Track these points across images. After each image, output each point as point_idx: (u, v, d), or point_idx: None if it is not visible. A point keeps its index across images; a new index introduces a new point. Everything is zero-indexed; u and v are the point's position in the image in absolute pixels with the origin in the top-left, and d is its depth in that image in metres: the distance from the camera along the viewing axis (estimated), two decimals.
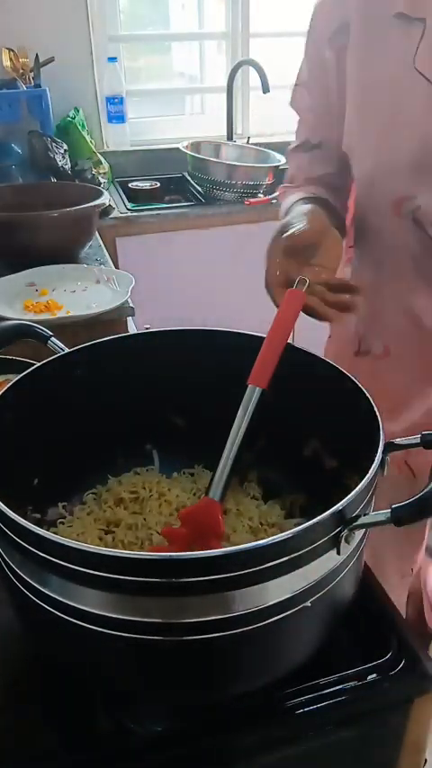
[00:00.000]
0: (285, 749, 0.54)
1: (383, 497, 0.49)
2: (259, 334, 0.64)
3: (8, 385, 0.56)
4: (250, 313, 1.83)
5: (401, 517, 0.39)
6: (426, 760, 0.90)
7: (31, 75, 1.89)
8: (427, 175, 0.70)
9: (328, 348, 0.97)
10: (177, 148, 2.01)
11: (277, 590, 0.41)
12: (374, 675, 0.55)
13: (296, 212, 0.73)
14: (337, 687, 0.54)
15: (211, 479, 0.59)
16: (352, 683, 0.55)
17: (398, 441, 0.48)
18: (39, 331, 0.66)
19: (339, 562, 0.44)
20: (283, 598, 0.41)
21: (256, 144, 2.22)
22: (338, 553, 0.42)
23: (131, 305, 1.17)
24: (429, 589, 1.11)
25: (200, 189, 2.02)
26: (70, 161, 1.82)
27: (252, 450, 0.70)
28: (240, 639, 0.43)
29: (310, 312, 0.66)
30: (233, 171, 1.92)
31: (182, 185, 2.18)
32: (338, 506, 0.40)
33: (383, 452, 0.47)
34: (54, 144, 1.70)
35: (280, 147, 2.12)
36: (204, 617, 0.41)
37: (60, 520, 0.63)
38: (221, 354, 0.65)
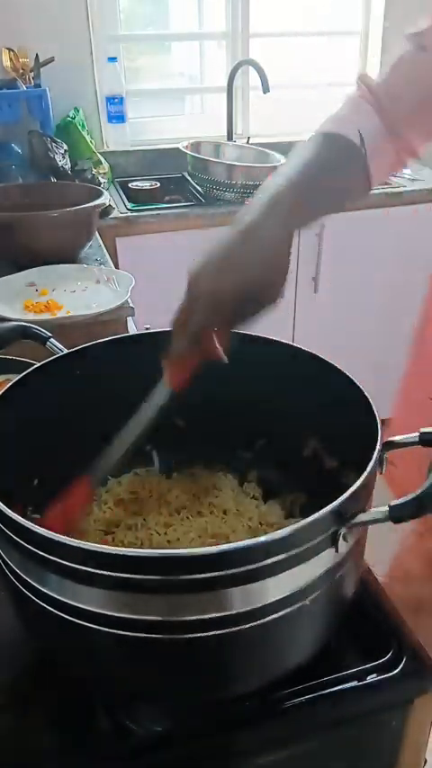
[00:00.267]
0: (285, 749, 0.54)
1: None
2: (258, 335, 0.64)
3: (8, 385, 0.56)
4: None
5: (399, 515, 0.39)
6: (426, 760, 0.90)
7: (31, 75, 1.89)
8: None
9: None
10: (177, 148, 2.01)
11: (276, 588, 0.41)
12: (374, 676, 0.55)
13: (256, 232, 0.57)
14: (337, 687, 0.54)
15: None
16: (352, 684, 0.55)
17: (396, 439, 0.48)
18: (38, 332, 0.66)
19: (338, 560, 0.44)
20: (282, 596, 0.41)
21: (256, 144, 2.22)
22: (337, 551, 0.42)
23: (131, 305, 1.17)
24: None
25: (200, 189, 2.02)
26: (70, 161, 1.82)
27: (251, 449, 0.70)
28: (240, 638, 0.43)
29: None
30: (233, 171, 1.92)
31: (182, 185, 2.18)
32: (336, 504, 0.40)
33: (381, 451, 0.47)
34: (54, 144, 1.71)
35: (280, 147, 2.12)
36: (203, 615, 0.41)
37: None
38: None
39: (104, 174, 1.99)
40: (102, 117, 2.16)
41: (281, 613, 0.42)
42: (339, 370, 0.57)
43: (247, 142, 2.26)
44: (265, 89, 2.01)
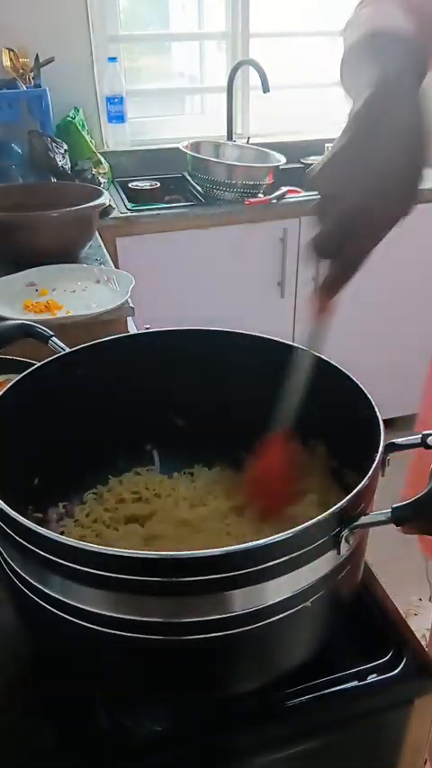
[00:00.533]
0: (285, 749, 0.53)
1: None
2: (259, 335, 0.64)
3: (8, 385, 0.56)
4: (250, 313, 1.84)
5: (401, 517, 0.39)
6: (426, 760, 0.90)
7: (32, 75, 1.89)
8: None
9: None
10: (177, 148, 2.01)
11: (278, 589, 0.41)
12: (375, 676, 0.55)
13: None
14: (337, 687, 0.54)
15: None
16: (352, 684, 0.55)
17: (399, 441, 0.48)
18: (40, 331, 0.67)
19: (340, 562, 0.44)
20: (283, 598, 0.41)
21: (256, 144, 2.22)
22: (339, 553, 0.42)
23: (131, 305, 1.17)
24: None
25: (200, 189, 2.02)
26: (70, 161, 1.82)
27: (252, 451, 0.70)
28: (240, 639, 0.43)
29: None
30: (233, 171, 1.92)
31: (182, 185, 2.18)
32: (338, 506, 0.40)
33: (384, 452, 0.47)
34: (54, 144, 1.70)
35: (280, 147, 2.12)
36: (204, 616, 0.41)
37: (62, 522, 0.63)
38: (220, 354, 0.65)
39: (104, 173, 1.99)
40: (102, 117, 2.16)
41: (282, 615, 0.42)
42: (342, 371, 0.57)
43: (247, 142, 2.26)
44: (265, 89, 2.01)
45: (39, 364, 0.60)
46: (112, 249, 1.75)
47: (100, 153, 2.05)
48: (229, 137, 2.26)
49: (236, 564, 0.39)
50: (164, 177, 2.17)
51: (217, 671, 0.47)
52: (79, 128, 1.98)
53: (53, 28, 1.96)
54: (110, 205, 1.77)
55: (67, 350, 0.63)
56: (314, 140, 2.30)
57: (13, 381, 0.55)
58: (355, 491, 0.41)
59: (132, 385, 0.67)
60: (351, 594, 0.51)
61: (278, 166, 1.99)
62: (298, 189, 2.04)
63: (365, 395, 0.53)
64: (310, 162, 2.22)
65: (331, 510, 0.40)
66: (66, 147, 1.78)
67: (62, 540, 0.41)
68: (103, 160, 2.03)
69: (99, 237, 1.54)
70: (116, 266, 1.55)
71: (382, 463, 0.48)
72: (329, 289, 0.50)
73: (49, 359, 0.61)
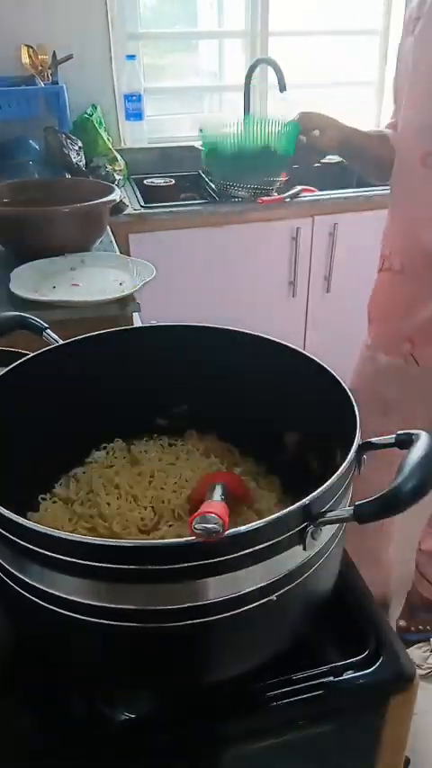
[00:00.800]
0: (259, 741, 0.54)
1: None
2: (246, 331, 0.65)
3: None
4: (261, 312, 1.85)
5: (364, 514, 0.40)
6: (409, 759, 0.90)
7: (50, 71, 1.92)
8: None
9: None
10: (193, 146, 2.01)
11: (243, 582, 0.42)
12: (351, 672, 0.56)
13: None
14: (313, 682, 0.55)
15: None
16: (328, 679, 0.55)
17: (374, 440, 0.49)
18: (35, 323, 0.68)
19: (308, 557, 0.44)
20: (245, 591, 0.42)
21: None
22: (304, 548, 0.43)
23: (137, 300, 1.18)
24: None
25: (214, 186, 2.03)
26: (86, 158, 1.84)
27: (238, 445, 0.71)
28: (214, 627, 0.44)
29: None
30: None
31: (197, 183, 2.19)
32: (303, 502, 0.40)
33: (358, 451, 0.47)
34: (69, 141, 1.72)
35: None
36: (179, 604, 0.42)
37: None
38: (211, 351, 0.66)
39: (120, 170, 2.01)
40: (119, 114, 2.17)
41: (247, 608, 0.43)
42: (325, 368, 0.57)
43: None
44: (282, 87, 2.01)
45: (30, 355, 0.61)
46: (124, 245, 1.76)
47: (117, 150, 2.06)
48: None
49: (202, 554, 0.40)
50: (180, 175, 2.18)
51: (192, 659, 0.48)
52: (96, 125, 2.00)
53: (72, 25, 1.98)
54: (122, 201, 1.78)
55: (61, 342, 0.65)
56: None
57: (2, 372, 0.56)
58: (321, 488, 0.41)
59: (128, 378, 0.68)
60: (324, 591, 0.51)
61: (292, 165, 1.99)
62: (312, 188, 2.03)
63: (347, 393, 0.53)
64: (326, 161, 2.21)
65: (297, 504, 0.40)
66: (80, 143, 1.80)
67: (38, 529, 0.42)
68: (119, 157, 2.04)
69: (111, 233, 1.55)
70: None
71: (358, 462, 0.49)
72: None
73: (42, 350, 0.63)
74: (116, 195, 1.38)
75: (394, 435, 0.47)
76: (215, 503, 0.44)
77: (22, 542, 0.43)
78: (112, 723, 0.52)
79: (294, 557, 0.43)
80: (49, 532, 0.42)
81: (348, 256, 1.99)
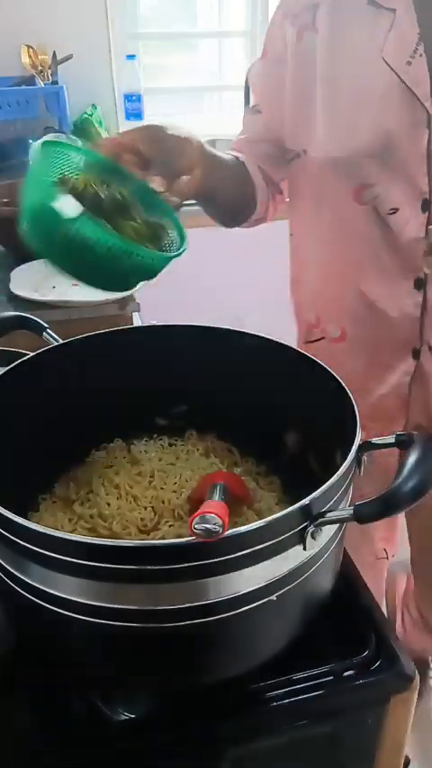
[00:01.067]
0: (260, 741, 0.54)
1: None
2: (248, 331, 0.65)
3: None
4: (260, 311, 1.84)
5: (364, 515, 0.40)
6: (408, 759, 0.90)
7: (50, 71, 1.92)
8: (387, 166, 0.71)
9: None
10: None
11: (243, 582, 0.42)
12: (351, 672, 0.56)
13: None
14: (313, 682, 0.55)
15: None
16: (327, 679, 0.55)
17: (374, 440, 0.49)
18: (35, 322, 0.68)
19: (308, 557, 0.44)
20: (245, 591, 0.42)
21: None
22: (305, 548, 0.43)
23: (137, 300, 1.18)
24: (399, 601, 1.15)
25: None
26: None
27: (238, 445, 0.71)
28: (214, 627, 0.44)
29: None
30: None
31: None
32: (304, 501, 0.40)
33: (358, 452, 0.47)
34: (69, 141, 1.72)
35: None
36: (179, 604, 0.42)
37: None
38: (211, 350, 0.66)
39: None
40: (119, 114, 2.17)
41: (248, 607, 0.43)
42: (325, 368, 0.57)
43: None
44: None
45: (30, 355, 0.61)
46: None
47: None
48: None
49: (202, 554, 0.40)
50: None
51: (192, 659, 0.48)
52: (96, 125, 2.00)
53: (72, 25, 1.98)
54: None
55: (61, 342, 0.65)
56: None
57: (2, 372, 0.56)
58: (322, 488, 0.41)
59: (127, 379, 0.68)
60: (324, 591, 0.51)
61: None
62: None
63: (347, 394, 0.53)
64: None
65: (297, 505, 0.40)
66: (80, 144, 1.79)
67: (38, 529, 0.42)
68: None
69: None
70: None
71: (358, 462, 0.49)
72: None
73: (41, 350, 0.63)
74: None
75: (394, 435, 0.47)
76: (215, 503, 0.44)
77: (22, 542, 0.43)
78: (112, 723, 0.52)
79: (294, 557, 0.43)
80: (49, 532, 0.42)
81: None
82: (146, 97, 2.14)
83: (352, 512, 0.40)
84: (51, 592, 0.44)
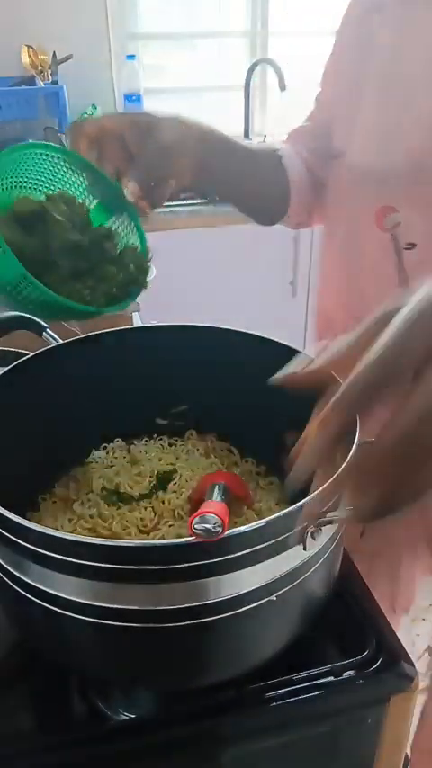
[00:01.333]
0: (260, 741, 0.54)
1: None
2: (256, 334, 0.65)
3: None
4: (262, 311, 1.85)
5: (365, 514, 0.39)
6: (408, 759, 0.90)
7: (50, 71, 1.92)
8: (415, 188, 0.66)
9: None
10: None
11: (243, 582, 0.42)
12: (351, 672, 0.56)
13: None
14: (313, 682, 0.55)
15: None
16: (328, 679, 0.55)
17: (373, 441, 0.48)
18: (35, 322, 0.68)
19: (307, 558, 0.44)
20: (245, 591, 0.42)
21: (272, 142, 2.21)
22: (305, 549, 0.43)
23: (137, 300, 1.18)
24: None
25: None
26: None
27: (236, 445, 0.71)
28: (214, 628, 0.44)
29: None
30: None
31: None
32: (304, 502, 0.40)
33: (357, 452, 0.47)
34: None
35: None
36: (179, 604, 0.42)
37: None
38: (211, 351, 0.66)
39: None
40: None
41: (248, 607, 0.43)
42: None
43: (264, 140, 2.26)
44: (282, 87, 2.01)
45: (30, 355, 0.61)
46: None
47: None
48: (246, 135, 2.26)
49: (195, 554, 0.40)
50: None
51: (192, 659, 0.47)
52: None
53: (72, 25, 1.99)
54: None
55: (61, 342, 0.65)
56: None
57: (2, 372, 0.56)
58: (321, 488, 0.41)
59: (128, 378, 0.68)
60: (323, 592, 0.51)
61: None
62: None
63: None
64: None
65: (297, 505, 0.40)
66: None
67: (38, 529, 0.42)
68: None
69: None
70: None
71: None
72: None
73: (41, 350, 0.63)
74: None
75: None
76: (215, 503, 0.44)
77: (22, 542, 0.43)
78: (112, 723, 0.52)
79: (294, 557, 0.43)
80: (49, 532, 0.42)
81: (315, 261, 1.99)
82: (146, 97, 2.15)
83: (353, 511, 0.40)
84: (51, 592, 0.44)
